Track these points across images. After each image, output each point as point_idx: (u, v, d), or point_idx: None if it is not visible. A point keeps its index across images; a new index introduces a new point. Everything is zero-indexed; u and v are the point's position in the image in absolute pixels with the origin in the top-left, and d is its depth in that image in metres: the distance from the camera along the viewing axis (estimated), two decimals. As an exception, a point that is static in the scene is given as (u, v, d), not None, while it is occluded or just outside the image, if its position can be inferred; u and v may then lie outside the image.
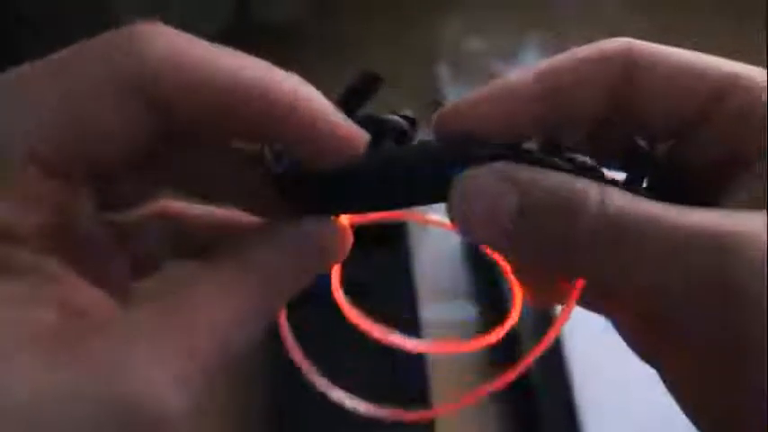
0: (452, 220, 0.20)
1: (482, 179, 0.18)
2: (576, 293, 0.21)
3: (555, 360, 0.48)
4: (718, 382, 0.18)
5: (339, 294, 0.25)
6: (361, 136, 0.18)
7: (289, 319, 0.23)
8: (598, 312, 0.23)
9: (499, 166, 0.18)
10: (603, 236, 0.17)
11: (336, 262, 0.21)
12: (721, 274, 0.16)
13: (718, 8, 0.70)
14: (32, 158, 0.15)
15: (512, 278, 0.24)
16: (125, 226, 0.20)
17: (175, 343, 0.16)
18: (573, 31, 0.70)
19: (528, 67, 0.20)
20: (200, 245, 0.21)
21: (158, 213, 0.21)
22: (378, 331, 0.25)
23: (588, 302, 0.23)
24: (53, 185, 0.16)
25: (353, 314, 0.25)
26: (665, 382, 0.21)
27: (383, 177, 0.20)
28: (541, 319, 0.49)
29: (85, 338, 0.15)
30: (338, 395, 0.22)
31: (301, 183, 0.20)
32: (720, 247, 0.16)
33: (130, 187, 0.20)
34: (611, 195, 0.17)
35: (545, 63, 0.20)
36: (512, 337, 0.48)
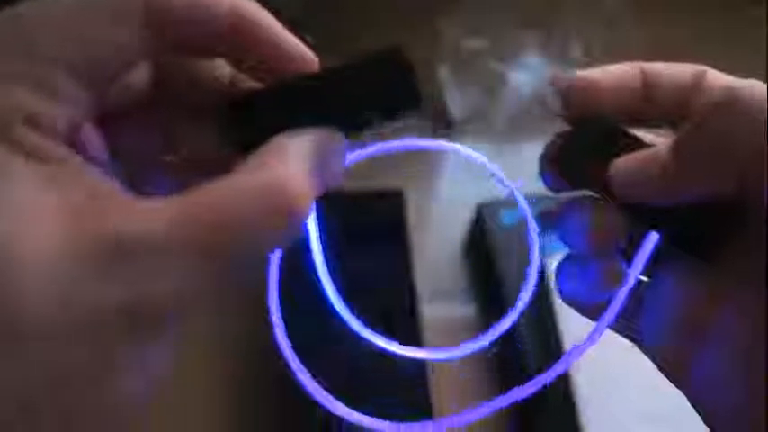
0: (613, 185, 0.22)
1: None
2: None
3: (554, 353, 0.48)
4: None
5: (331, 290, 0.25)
6: (313, 57, 0.21)
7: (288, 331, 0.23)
8: (628, 337, 0.24)
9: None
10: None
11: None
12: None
13: (716, 6, 0.70)
14: (63, 65, 0.18)
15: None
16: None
17: (194, 236, 0.17)
18: (573, 30, 0.70)
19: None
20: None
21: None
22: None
23: (620, 326, 0.24)
24: (78, 90, 0.18)
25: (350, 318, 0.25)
26: (692, 400, 0.23)
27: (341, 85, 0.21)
28: (541, 321, 0.49)
29: (107, 211, 0.17)
30: (341, 409, 0.22)
31: (260, 99, 0.21)
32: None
33: (131, 138, 0.22)
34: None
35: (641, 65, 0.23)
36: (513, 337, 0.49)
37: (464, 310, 0.55)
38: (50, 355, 0.16)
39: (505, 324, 0.25)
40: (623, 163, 0.22)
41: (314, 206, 0.23)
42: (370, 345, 0.25)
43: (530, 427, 0.48)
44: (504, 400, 0.23)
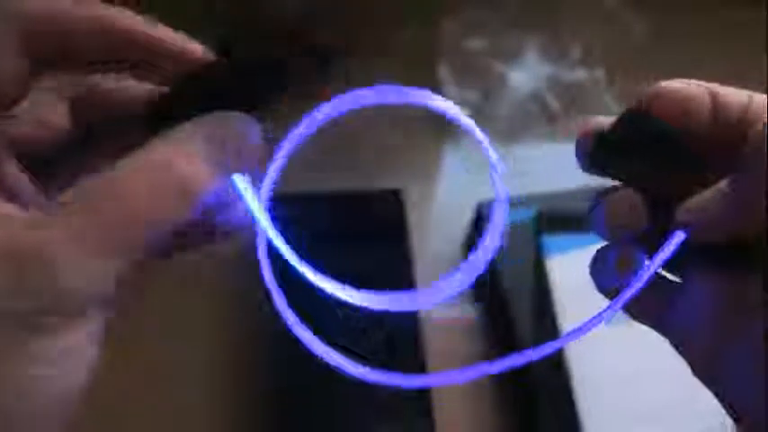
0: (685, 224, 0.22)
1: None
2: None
3: (554, 355, 0.48)
4: None
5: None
6: (197, 46, 0.22)
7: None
8: (660, 332, 0.24)
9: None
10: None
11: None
12: None
13: (715, 5, 0.70)
14: None
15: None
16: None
17: (88, 229, 0.17)
18: (573, 30, 0.70)
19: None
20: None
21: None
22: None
23: (650, 322, 0.24)
24: None
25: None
26: (722, 400, 0.23)
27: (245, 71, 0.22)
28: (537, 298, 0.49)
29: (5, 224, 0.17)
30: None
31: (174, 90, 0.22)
32: None
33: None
34: None
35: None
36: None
37: (464, 310, 0.55)
38: None
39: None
40: (688, 207, 0.22)
41: (269, 216, 0.23)
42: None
43: (529, 426, 0.48)
44: (496, 367, 0.22)
